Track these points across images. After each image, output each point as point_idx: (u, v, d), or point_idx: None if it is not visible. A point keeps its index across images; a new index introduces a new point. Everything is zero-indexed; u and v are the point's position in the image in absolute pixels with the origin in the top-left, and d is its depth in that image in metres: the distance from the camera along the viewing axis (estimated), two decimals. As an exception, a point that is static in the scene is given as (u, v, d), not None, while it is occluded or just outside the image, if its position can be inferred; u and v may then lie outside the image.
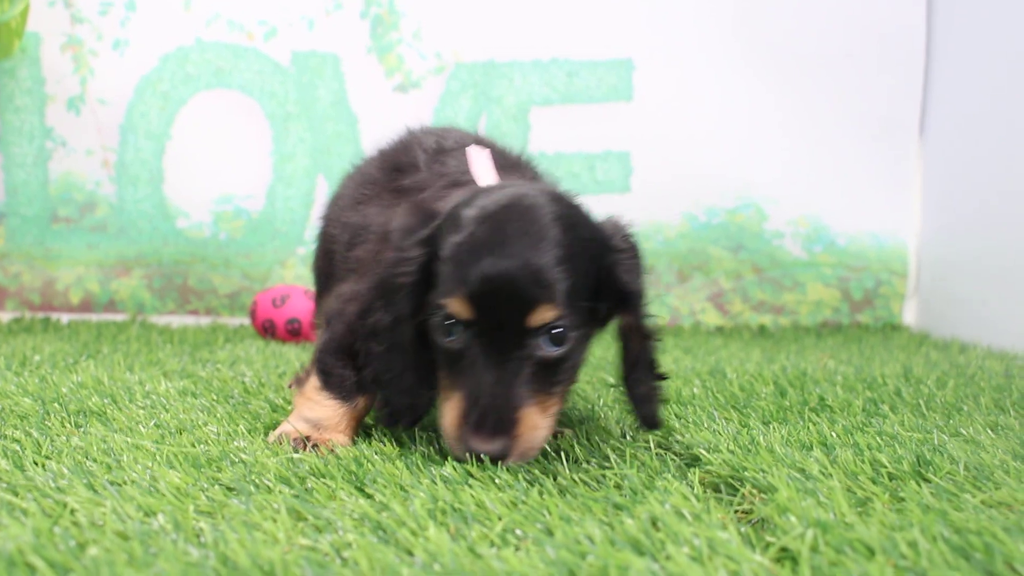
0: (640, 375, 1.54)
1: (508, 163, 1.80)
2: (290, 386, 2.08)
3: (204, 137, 3.46)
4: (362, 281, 1.60)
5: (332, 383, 1.59)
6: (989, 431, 1.68)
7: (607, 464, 1.42)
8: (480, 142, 1.89)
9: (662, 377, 1.57)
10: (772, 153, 3.51)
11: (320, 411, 1.58)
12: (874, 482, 1.32)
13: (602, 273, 1.45)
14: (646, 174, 3.50)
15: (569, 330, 1.40)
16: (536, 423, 1.38)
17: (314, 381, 1.63)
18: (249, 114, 3.46)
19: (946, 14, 3.42)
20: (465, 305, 1.36)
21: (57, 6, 3.40)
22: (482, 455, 1.34)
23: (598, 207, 3.39)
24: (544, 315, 1.36)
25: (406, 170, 1.84)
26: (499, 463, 1.34)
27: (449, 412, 1.39)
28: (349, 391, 1.57)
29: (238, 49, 3.44)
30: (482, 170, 1.68)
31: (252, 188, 3.48)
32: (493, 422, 1.34)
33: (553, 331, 1.38)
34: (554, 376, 1.42)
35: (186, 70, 3.43)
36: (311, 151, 3.44)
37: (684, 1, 3.46)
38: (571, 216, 1.45)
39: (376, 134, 2.05)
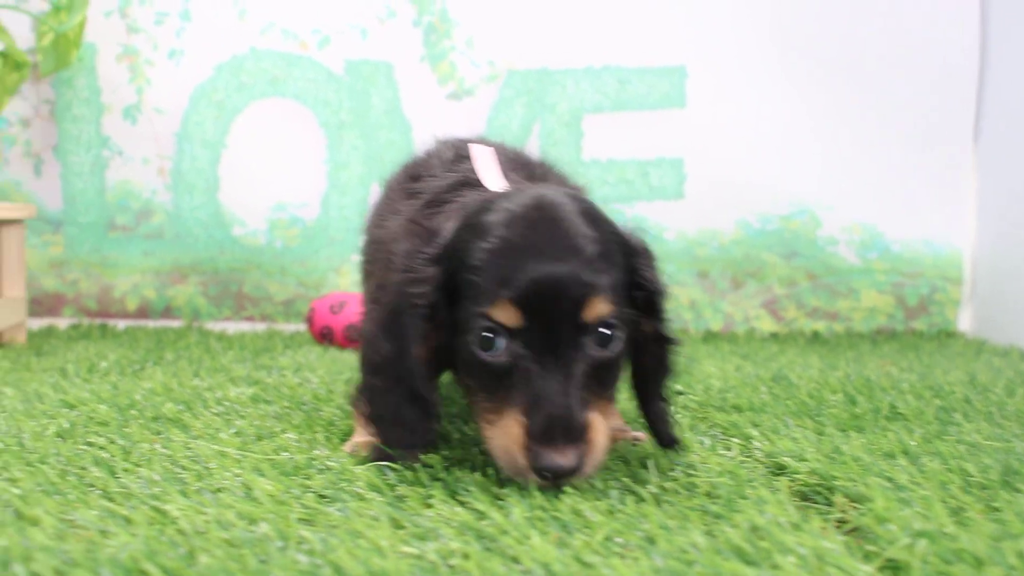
0: (656, 387, 1.51)
1: (518, 163, 1.76)
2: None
3: (259, 145, 3.48)
4: (375, 311, 1.53)
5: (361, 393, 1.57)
6: (1070, 439, 1.67)
7: (693, 471, 1.42)
8: (501, 150, 1.86)
9: (670, 394, 1.54)
10: (826, 159, 3.50)
11: None
12: (965, 492, 1.31)
13: (627, 274, 1.41)
14: (699, 181, 3.49)
15: (617, 329, 1.35)
16: (602, 428, 1.32)
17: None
18: (303, 122, 3.48)
19: (1001, 17, 3.40)
20: (513, 310, 1.29)
21: (113, 17, 3.43)
22: (556, 472, 1.25)
23: (652, 214, 3.43)
24: (598, 308, 1.31)
25: (422, 177, 1.80)
26: (569, 479, 1.27)
27: (504, 433, 1.30)
28: (369, 423, 1.51)
29: (292, 58, 3.47)
30: (487, 168, 1.65)
31: (307, 196, 3.50)
32: (564, 432, 1.25)
33: (602, 330, 1.33)
34: (604, 380, 1.37)
35: (240, 79, 3.46)
36: (365, 159, 3.45)
37: (738, 8, 3.46)
38: (598, 215, 1.42)
39: (429, 142, 2.06)
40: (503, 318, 1.30)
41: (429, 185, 1.74)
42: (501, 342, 1.31)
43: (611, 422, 1.43)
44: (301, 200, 3.50)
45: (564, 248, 1.32)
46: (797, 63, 3.47)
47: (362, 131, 3.47)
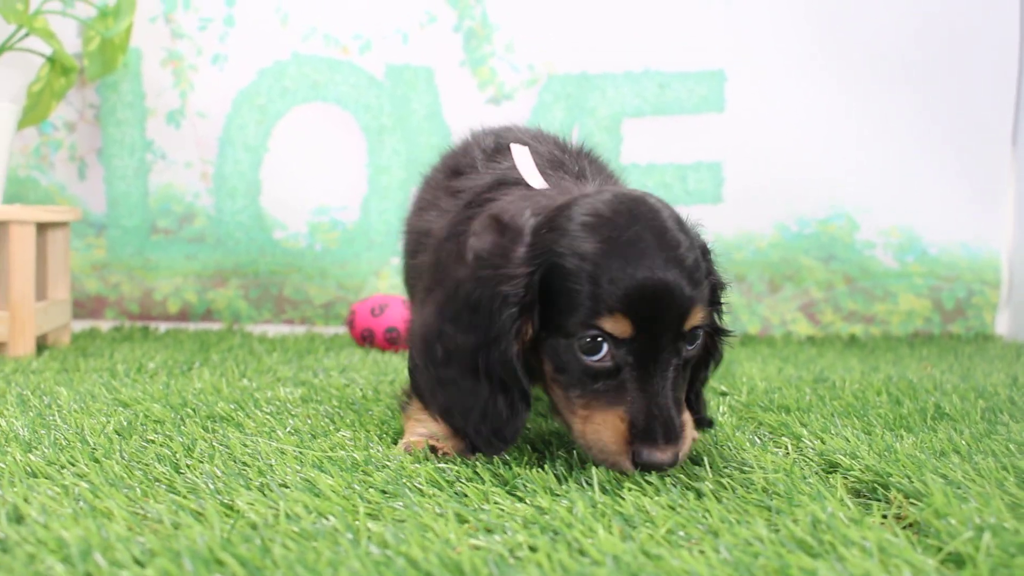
0: (701, 373, 1.58)
1: (558, 160, 1.77)
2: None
3: (300, 150, 3.51)
4: (428, 305, 1.55)
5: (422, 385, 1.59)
6: (1121, 439, 1.68)
7: (749, 468, 1.43)
8: (539, 137, 1.89)
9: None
10: (863, 163, 3.50)
11: (431, 427, 1.58)
12: (1021, 488, 1.32)
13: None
14: (738, 184, 3.50)
15: (702, 330, 1.42)
16: (691, 426, 1.40)
17: (416, 403, 1.64)
18: (344, 127, 3.51)
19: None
20: (625, 322, 1.34)
21: (158, 22, 3.47)
22: (657, 467, 1.33)
23: (691, 217, 3.42)
24: (698, 317, 1.37)
25: (464, 171, 1.82)
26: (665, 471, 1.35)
27: (606, 428, 1.36)
28: (440, 416, 1.53)
29: (333, 63, 3.49)
30: (527, 168, 1.67)
31: (347, 200, 3.52)
32: (665, 432, 1.33)
33: (695, 333, 1.40)
34: (686, 376, 1.45)
35: (283, 84, 3.49)
36: (405, 163, 3.48)
37: (775, 12, 3.47)
38: (681, 219, 1.46)
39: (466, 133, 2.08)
40: (613, 329, 1.35)
41: (470, 183, 1.76)
42: (605, 348, 1.36)
43: None
44: (341, 204, 3.52)
45: (669, 259, 1.36)
46: (835, 68, 3.47)
47: (403, 135, 3.50)
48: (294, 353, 2.86)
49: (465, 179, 1.80)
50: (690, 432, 1.38)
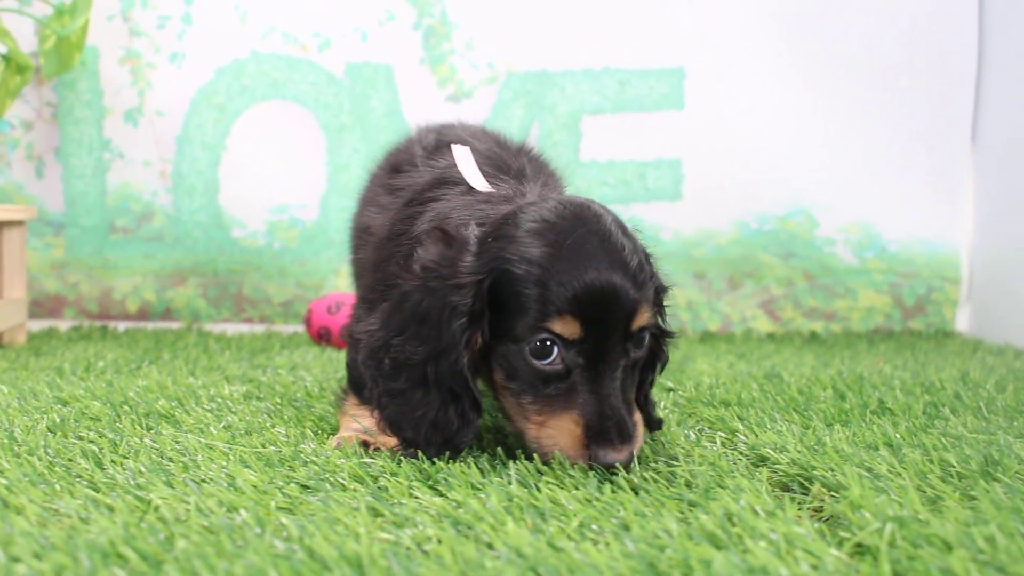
0: (648, 375, 1.59)
1: (499, 160, 1.77)
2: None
3: (259, 148, 3.50)
4: (373, 315, 1.55)
5: (369, 397, 1.60)
6: (1054, 433, 1.68)
7: (675, 463, 1.43)
8: (480, 136, 1.91)
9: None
10: (823, 160, 3.51)
11: (367, 421, 1.58)
12: (944, 481, 1.32)
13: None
14: (697, 182, 3.50)
15: (648, 331, 1.43)
16: (641, 424, 1.42)
17: (352, 398, 1.67)
18: (304, 125, 3.49)
19: (998, 22, 3.41)
20: (574, 323, 1.35)
21: (116, 20, 3.45)
22: (611, 467, 1.34)
23: (650, 214, 3.44)
24: (644, 317, 1.39)
25: (404, 168, 1.84)
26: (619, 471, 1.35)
27: (561, 433, 1.37)
28: (386, 427, 1.52)
29: (292, 61, 3.48)
30: (467, 168, 1.68)
31: (306, 198, 3.51)
32: (619, 431, 1.35)
33: (641, 334, 1.41)
34: (635, 377, 1.47)
35: (242, 82, 3.47)
36: (365, 161, 3.45)
37: (735, 10, 3.47)
38: (624, 224, 1.48)
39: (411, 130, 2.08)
40: (562, 330, 1.36)
41: (409, 180, 1.76)
42: (555, 351, 1.37)
43: None
44: (301, 202, 3.51)
45: (614, 261, 1.38)
46: (794, 65, 3.48)
47: (362, 133, 3.49)
48: (248, 351, 2.85)
49: (405, 176, 1.81)
50: (642, 430, 1.41)
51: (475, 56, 3.49)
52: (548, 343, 1.37)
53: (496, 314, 1.41)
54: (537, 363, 1.37)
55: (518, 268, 1.37)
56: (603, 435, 1.34)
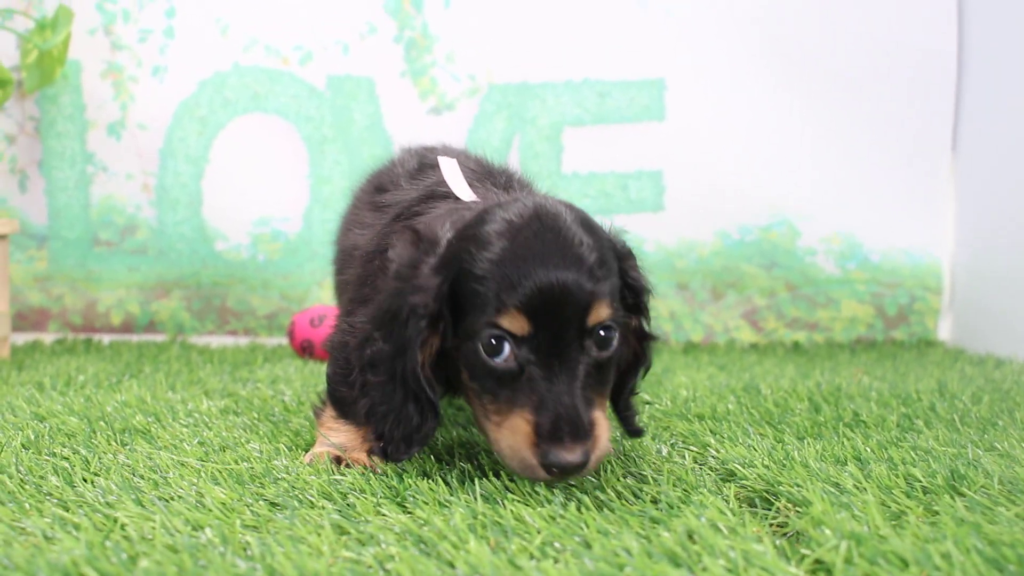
0: (630, 379, 1.58)
1: (485, 173, 1.80)
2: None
3: (242, 161, 3.50)
4: (360, 312, 1.58)
5: (347, 411, 1.61)
6: None
7: (643, 479, 1.44)
8: (465, 154, 1.93)
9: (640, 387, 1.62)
10: (804, 171, 3.52)
11: (342, 437, 1.60)
12: (908, 496, 1.33)
13: (619, 276, 1.47)
14: (679, 193, 3.51)
15: (614, 330, 1.41)
16: (604, 425, 1.37)
17: (330, 411, 1.66)
18: (286, 138, 3.50)
19: (978, 31, 3.42)
20: (521, 319, 1.34)
21: (98, 34, 3.46)
22: (565, 468, 1.30)
23: (632, 226, 3.45)
24: (600, 313, 1.37)
25: (388, 188, 1.86)
26: (576, 474, 1.32)
27: (514, 433, 1.35)
28: (363, 417, 1.55)
29: (274, 74, 3.49)
30: (455, 180, 1.69)
31: (289, 211, 3.52)
32: (571, 430, 1.31)
33: (602, 332, 1.39)
34: (603, 378, 1.43)
35: (224, 95, 3.48)
36: (347, 173, 3.47)
37: (715, 22, 3.48)
38: (591, 222, 1.48)
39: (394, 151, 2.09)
40: (511, 326, 1.35)
41: (396, 197, 1.78)
42: (507, 348, 1.36)
43: None
44: (284, 215, 3.52)
45: (566, 257, 1.37)
46: (775, 76, 3.49)
47: (344, 146, 3.50)
48: (231, 364, 2.85)
49: (390, 194, 1.82)
50: (603, 432, 1.36)
51: (456, 68, 3.50)
52: (499, 340, 1.36)
53: (458, 314, 1.41)
54: (490, 360, 1.37)
55: (477, 267, 1.38)
56: (554, 433, 1.30)
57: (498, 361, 1.37)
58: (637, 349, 1.56)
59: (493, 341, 1.36)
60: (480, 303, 1.37)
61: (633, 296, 1.51)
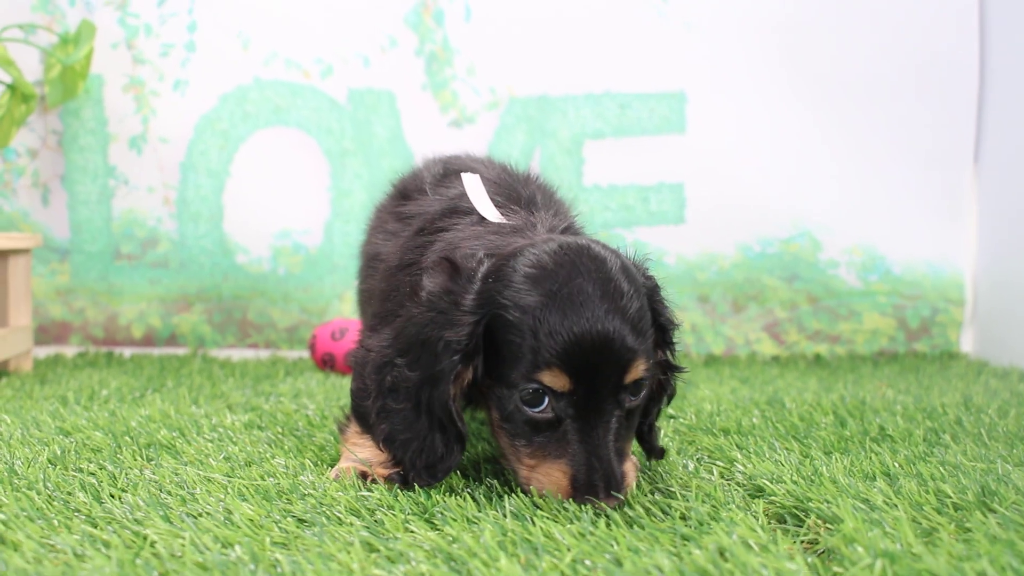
0: (654, 407, 1.58)
1: (509, 187, 1.79)
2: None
3: (263, 174, 3.52)
4: (384, 332, 1.58)
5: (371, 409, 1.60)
6: (1053, 460, 1.68)
7: (671, 494, 1.43)
8: (488, 164, 1.92)
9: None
10: (826, 183, 3.52)
11: (367, 452, 1.60)
12: (939, 512, 1.32)
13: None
14: (700, 205, 3.51)
15: (647, 380, 1.42)
16: (632, 475, 1.40)
17: (354, 426, 1.66)
18: (307, 151, 3.51)
19: (1000, 41, 3.41)
20: (564, 377, 1.35)
21: (120, 48, 3.48)
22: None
23: (653, 238, 3.44)
24: (639, 370, 1.38)
25: (412, 196, 1.86)
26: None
27: (548, 479, 1.38)
28: (381, 443, 1.53)
29: (295, 87, 3.50)
30: (478, 197, 1.69)
31: (310, 223, 3.53)
32: (606, 484, 1.34)
33: (637, 384, 1.40)
34: (632, 424, 1.46)
35: (245, 108, 3.49)
36: (368, 186, 3.48)
37: (735, 34, 3.48)
38: (625, 264, 1.46)
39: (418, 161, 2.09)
40: (552, 383, 1.36)
41: (420, 208, 1.78)
42: (546, 400, 1.38)
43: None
44: (304, 227, 3.53)
45: (609, 311, 1.36)
46: (796, 88, 3.49)
47: (365, 159, 3.50)
48: (252, 378, 2.85)
49: (414, 204, 1.82)
50: (632, 481, 1.39)
51: (477, 81, 3.50)
52: (539, 392, 1.37)
53: (492, 356, 1.41)
54: (528, 410, 1.38)
55: (512, 315, 1.37)
56: (590, 487, 1.34)
57: (536, 412, 1.38)
58: (663, 379, 1.57)
59: (532, 393, 1.37)
60: (518, 354, 1.37)
61: (661, 333, 1.51)
